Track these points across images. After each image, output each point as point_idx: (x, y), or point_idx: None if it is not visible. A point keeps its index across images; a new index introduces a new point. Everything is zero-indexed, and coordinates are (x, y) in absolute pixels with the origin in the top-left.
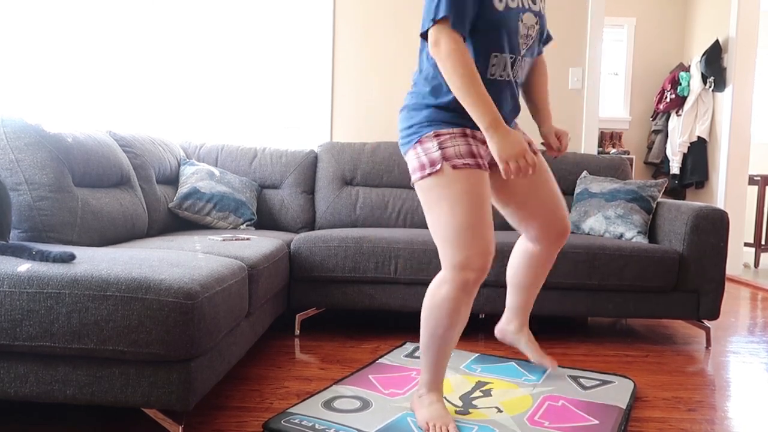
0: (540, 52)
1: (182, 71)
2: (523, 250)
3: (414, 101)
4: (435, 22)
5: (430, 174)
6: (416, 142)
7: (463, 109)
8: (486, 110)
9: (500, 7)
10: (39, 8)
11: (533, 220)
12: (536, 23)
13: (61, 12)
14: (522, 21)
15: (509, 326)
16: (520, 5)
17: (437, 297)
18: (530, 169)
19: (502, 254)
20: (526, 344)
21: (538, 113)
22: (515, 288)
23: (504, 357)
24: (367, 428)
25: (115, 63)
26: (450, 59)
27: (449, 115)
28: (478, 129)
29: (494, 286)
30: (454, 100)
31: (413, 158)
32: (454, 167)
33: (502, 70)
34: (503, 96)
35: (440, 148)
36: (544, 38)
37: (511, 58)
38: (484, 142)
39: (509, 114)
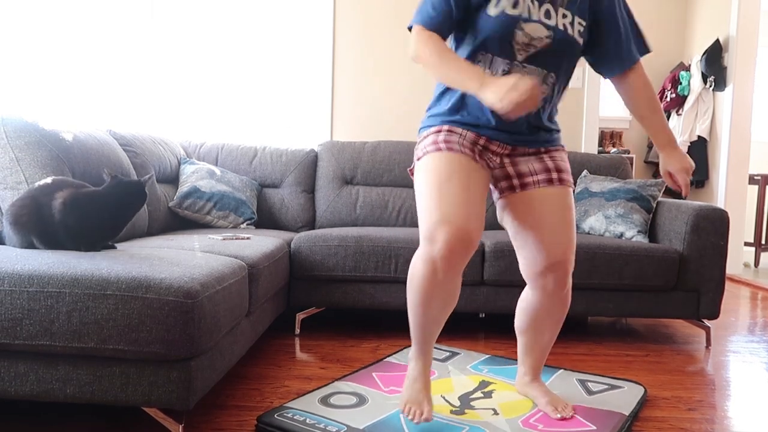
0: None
1: (183, 70)
2: (525, 290)
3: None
4: (411, 28)
5: (412, 174)
6: None
7: (449, 108)
8: (469, 76)
9: (493, 12)
10: (40, 8)
11: (521, 251)
12: (547, 37)
13: (61, 12)
14: (521, 29)
15: (518, 374)
16: (526, 14)
17: (412, 271)
18: (530, 94)
19: (503, 254)
20: (535, 396)
21: (653, 139)
22: (518, 332)
23: (514, 359)
24: (356, 424)
25: (116, 62)
26: (418, 53)
27: (432, 119)
28: (461, 126)
29: (493, 286)
30: (443, 104)
31: None
32: (418, 159)
33: (486, 69)
34: None
35: (415, 154)
36: (607, 58)
37: (506, 63)
38: (466, 139)
39: (509, 125)
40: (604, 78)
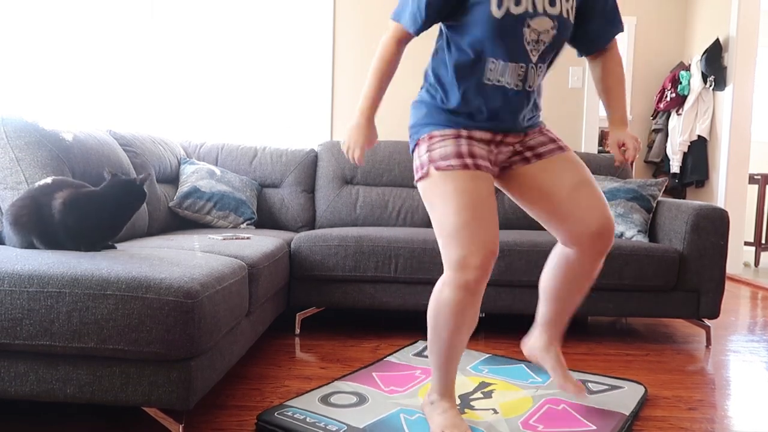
0: (596, 50)
1: (183, 70)
2: (558, 254)
3: (419, 98)
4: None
5: (422, 177)
6: (416, 144)
7: (462, 109)
8: (364, 101)
9: (498, 14)
10: (40, 8)
11: (561, 222)
12: (552, 28)
13: (61, 12)
14: (529, 26)
15: (537, 342)
16: (530, 9)
17: (440, 300)
18: (350, 156)
19: (503, 253)
20: (552, 366)
21: (608, 118)
22: (547, 298)
23: (514, 359)
24: (356, 423)
25: (116, 62)
26: (378, 51)
27: (445, 116)
28: (478, 129)
29: (495, 285)
30: (452, 102)
31: (414, 159)
32: (437, 169)
33: (500, 76)
34: (503, 102)
35: (428, 151)
36: (593, 42)
37: (521, 67)
38: (483, 141)
39: (520, 121)
40: (580, 56)
